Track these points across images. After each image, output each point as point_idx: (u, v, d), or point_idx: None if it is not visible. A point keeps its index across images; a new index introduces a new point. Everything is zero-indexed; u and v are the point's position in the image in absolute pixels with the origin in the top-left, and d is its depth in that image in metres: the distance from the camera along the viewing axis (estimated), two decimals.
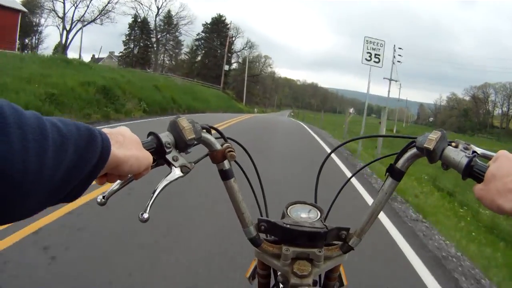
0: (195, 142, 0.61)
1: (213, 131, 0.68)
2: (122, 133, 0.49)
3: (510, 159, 0.51)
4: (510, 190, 0.47)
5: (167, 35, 50.49)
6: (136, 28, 48.75)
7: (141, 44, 49.93)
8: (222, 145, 0.67)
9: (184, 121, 0.59)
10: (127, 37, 49.66)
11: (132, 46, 50.23)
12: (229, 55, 51.51)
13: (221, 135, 0.69)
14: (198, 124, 0.62)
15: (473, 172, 0.55)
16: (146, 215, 0.51)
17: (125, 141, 0.48)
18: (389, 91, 33.42)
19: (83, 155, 0.39)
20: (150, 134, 0.58)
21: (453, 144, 0.61)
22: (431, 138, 0.60)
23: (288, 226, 0.69)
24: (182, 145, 0.58)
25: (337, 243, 0.73)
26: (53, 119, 0.38)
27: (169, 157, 0.57)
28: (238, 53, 56.90)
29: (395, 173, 0.67)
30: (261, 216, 0.80)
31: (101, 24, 37.83)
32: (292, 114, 63.32)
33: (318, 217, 0.73)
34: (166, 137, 0.58)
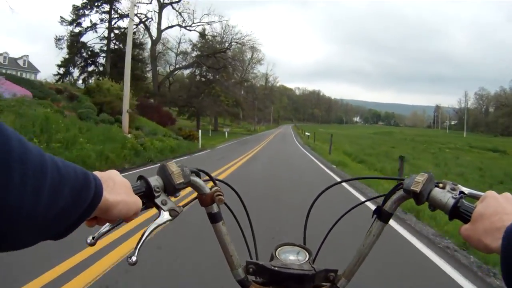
0: (184, 185, 0.62)
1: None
2: (113, 178, 0.50)
3: (498, 199, 0.51)
4: (497, 228, 0.46)
5: None
6: None
7: None
8: (211, 188, 0.68)
9: (173, 166, 0.61)
10: None
11: None
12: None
13: (210, 178, 0.71)
14: (187, 168, 0.63)
15: (460, 213, 0.55)
16: (134, 258, 0.51)
17: (115, 186, 0.49)
18: None
19: (76, 197, 0.40)
20: (139, 178, 0.59)
21: (440, 185, 0.61)
22: (417, 181, 0.60)
23: (276, 268, 0.69)
24: (171, 189, 0.60)
25: (326, 285, 0.73)
26: (55, 158, 0.39)
27: (158, 201, 0.58)
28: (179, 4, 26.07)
29: (382, 215, 0.68)
30: (251, 258, 0.79)
31: None
32: (306, 134, 35.07)
33: (307, 259, 0.73)
34: (155, 181, 0.59)
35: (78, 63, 28.34)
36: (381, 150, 22.50)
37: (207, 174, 0.70)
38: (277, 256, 0.73)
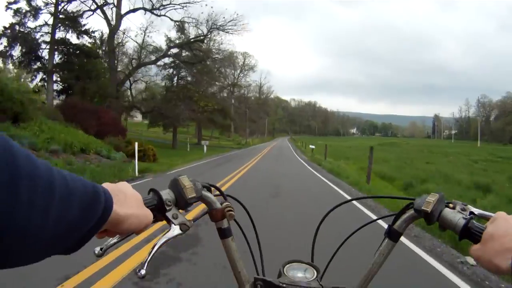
0: (196, 200, 0.63)
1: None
2: (124, 191, 0.49)
3: (508, 220, 0.51)
4: (507, 249, 0.47)
5: None
6: None
7: None
8: (221, 204, 0.69)
9: (185, 180, 0.61)
10: None
11: None
12: None
13: (221, 193, 0.72)
14: (199, 182, 0.64)
15: (470, 233, 0.56)
16: (143, 272, 0.51)
17: (126, 200, 0.48)
18: None
19: (85, 212, 0.39)
20: (151, 190, 0.59)
21: (451, 205, 0.62)
22: (428, 201, 0.61)
23: (285, 285, 0.70)
24: (182, 203, 0.60)
25: None
26: (64, 172, 0.38)
27: (169, 214, 0.58)
28: None
29: (392, 234, 0.68)
30: (258, 274, 0.79)
31: None
32: (311, 147, 28.11)
33: (315, 276, 0.73)
34: (167, 194, 0.59)
35: (16, 59, 21.80)
36: (421, 168, 16.09)
37: (218, 189, 0.71)
38: (285, 273, 0.73)
